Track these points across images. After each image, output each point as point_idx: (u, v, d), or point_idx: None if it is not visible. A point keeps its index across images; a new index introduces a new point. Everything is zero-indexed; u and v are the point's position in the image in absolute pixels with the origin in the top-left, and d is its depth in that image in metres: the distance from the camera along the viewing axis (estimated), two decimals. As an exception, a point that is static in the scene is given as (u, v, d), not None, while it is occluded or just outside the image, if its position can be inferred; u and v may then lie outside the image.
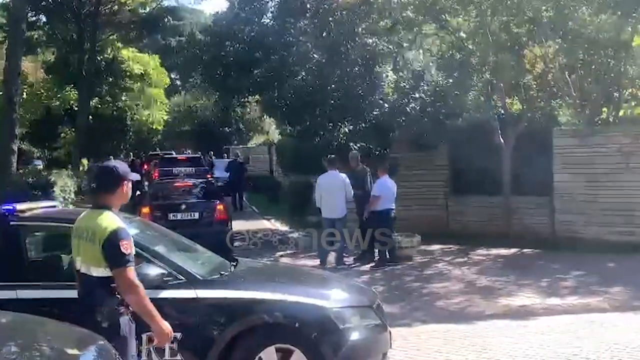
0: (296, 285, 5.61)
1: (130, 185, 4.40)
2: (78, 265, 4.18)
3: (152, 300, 4.12)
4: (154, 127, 35.78)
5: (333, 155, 12.22)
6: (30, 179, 13.28)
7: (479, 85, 14.49)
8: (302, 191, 20.28)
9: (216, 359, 4.84)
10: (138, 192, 26.33)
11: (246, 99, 19.16)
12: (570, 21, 13.17)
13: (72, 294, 4.28)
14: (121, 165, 4.39)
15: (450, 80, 14.77)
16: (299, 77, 14.51)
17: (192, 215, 13.01)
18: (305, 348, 4.93)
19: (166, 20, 29.45)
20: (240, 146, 43.42)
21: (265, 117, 44.25)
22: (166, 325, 4.11)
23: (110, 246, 3.97)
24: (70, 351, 3.26)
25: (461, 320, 8.16)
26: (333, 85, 14.52)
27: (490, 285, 9.92)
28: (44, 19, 27.07)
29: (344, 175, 11.75)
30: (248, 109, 31.55)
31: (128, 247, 4.02)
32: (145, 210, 13.01)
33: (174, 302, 4.84)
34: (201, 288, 4.96)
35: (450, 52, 14.92)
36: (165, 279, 4.90)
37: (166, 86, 35.54)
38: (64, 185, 16.04)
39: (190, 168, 20.04)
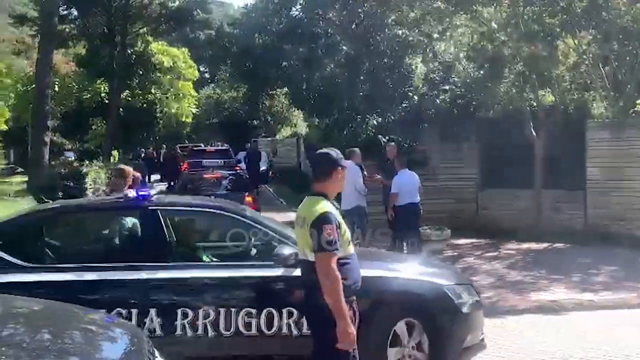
0: (403, 264, 5.88)
1: (344, 172, 4.35)
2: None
3: (291, 278, 4.40)
4: (183, 119, 35.98)
5: (354, 148, 12.14)
6: (62, 170, 13.40)
7: (511, 77, 14.26)
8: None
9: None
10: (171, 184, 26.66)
11: (274, 91, 19.18)
12: (604, 11, 12.91)
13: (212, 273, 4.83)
14: (334, 152, 4.36)
15: (481, 72, 14.60)
16: (328, 69, 14.43)
17: (220, 207, 13.04)
18: (425, 322, 5.29)
19: (195, 13, 29.56)
20: (268, 138, 43.52)
21: (293, 109, 44.55)
22: (352, 329, 3.97)
23: (315, 230, 3.97)
24: (101, 339, 3.27)
25: (492, 314, 8.04)
26: (362, 77, 14.42)
27: (521, 279, 9.80)
28: (75, 13, 27.35)
29: (355, 168, 11.63)
30: (276, 101, 31.55)
31: (332, 233, 3.97)
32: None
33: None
34: None
35: (482, 43, 14.73)
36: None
37: (195, 79, 35.69)
38: (96, 176, 16.21)
39: (219, 160, 20.12)
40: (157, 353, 3.33)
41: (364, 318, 4.50)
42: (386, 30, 14.79)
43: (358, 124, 14.52)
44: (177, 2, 28.86)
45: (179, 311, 4.92)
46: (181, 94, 33.53)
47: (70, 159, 37.21)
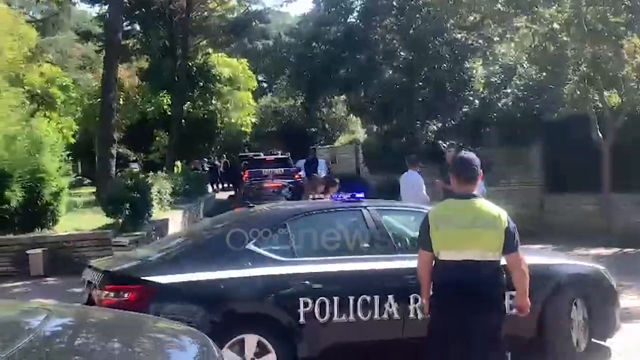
0: (560, 254, 7.51)
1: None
2: (463, 254, 4.40)
3: None
4: (243, 129, 36.44)
5: (413, 155, 12.03)
6: (128, 182, 13.72)
7: (575, 78, 13.91)
8: (388, 190, 20.19)
9: (540, 308, 5.97)
10: (231, 194, 27.12)
11: (332, 98, 19.22)
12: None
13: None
14: (477, 157, 4.75)
15: (544, 74, 14.28)
16: (387, 75, 14.37)
17: (283, 216, 13.12)
18: (586, 299, 6.36)
19: (254, 24, 29.95)
20: (327, 146, 43.64)
21: (351, 116, 44.54)
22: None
23: (512, 231, 4.42)
24: (170, 347, 3.33)
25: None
26: (420, 83, 14.31)
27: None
28: (138, 28, 28.09)
29: (416, 176, 11.49)
30: (333, 109, 31.61)
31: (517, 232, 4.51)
32: (237, 211, 13.22)
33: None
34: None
35: (544, 44, 14.41)
36: None
37: (254, 89, 36.11)
38: (161, 187, 16.56)
39: (279, 168, 20.27)
40: (225, 361, 3.35)
41: (555, 296, 6.02)
42: (445, 34, 14.62)
43: (417, 129, 14.39)
44: (236, 14, 29.28)
45: (411, 297, 5.46)
46: (241, 104, 33.94)
47: (135, 170, 38.13)
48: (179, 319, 4.82)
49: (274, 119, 46.81)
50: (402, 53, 14.51)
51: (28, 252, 11.76)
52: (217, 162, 37.29)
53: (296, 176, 18.35)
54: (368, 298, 5.43)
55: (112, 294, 5.19)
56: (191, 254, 5.67)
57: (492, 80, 14.82)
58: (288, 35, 18.46)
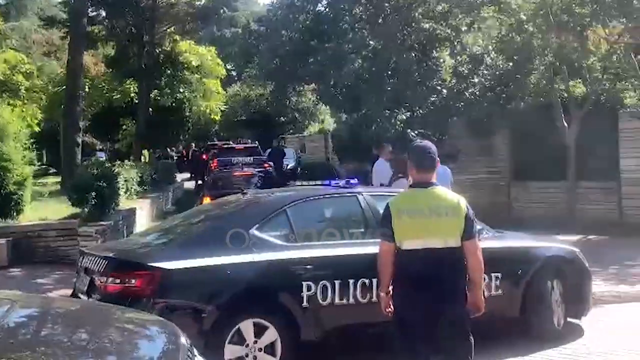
0: (537, 237, 7.67)
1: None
2: (425, 243, 4.38)
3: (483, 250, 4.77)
4: (212, 117, 36.12)
5: (384, 143, 12.04)
6: (94, 171, 13.52)
7: (541, 68, 14.08)
8: (361, 179, 20.27)
9: (523, 289, 6.43)
10: (199, 182, 26.88)
11: (302, 87, 19.16)
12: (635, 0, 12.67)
13: None
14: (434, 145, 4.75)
15: (511, 64, 14.42)
16: (356, 65, 14.36)
17: (253, 205, 13.06)
18: (563, 279, 6.74)
19: (222, 11, 29.63)
20: (297, 135, 43.53)
21: (320, 105, 44.48)
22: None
23: (471, 218, 4.44)
24: (139, 337, 3.30)
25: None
26: (390, 72, 14.33)
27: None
28: (104, 14, 27.57)
29: (385, 165, 11.48)
30: (303, 98, 31.48)
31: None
32: (206, 200, 13.14)
33: (494, 251, 5.99)
34: (499, 240, 6.61)
35: (510, 35, 14.54)
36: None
37: (223, 77, 35.78)
38: (128, 176, 16.35)
39: (249, 157, 20.16)
40: (196, 352, 3.34)
41: (536, 277, 6.45)
42: (413, 24, 14.65)
43: (387, 118, 14.43)
44: (204, 0, 28.93)
45: None
46: (209, 92, 33.62)
47: (101, 159, 37.58)
48: (185, 304, 5.17)
49: (244, 108, 46.50)
50: (371, 42, 14.46)
51: (-9, 242, 11.53)
52: (183, 152, 36.95)
53: (265, 165, 18.23)
54: (367, 281, 5.58)
55: (117, 280, 5.22)
56: (195, 239, 5.74)
57: (459, 69, 14.85)
58: (257, 23, 18.30)
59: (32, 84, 33.78)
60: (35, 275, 11.03)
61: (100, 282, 5.38)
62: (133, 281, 5.19)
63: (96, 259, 5.66)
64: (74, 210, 14.80)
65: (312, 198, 6.28)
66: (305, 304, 5.45)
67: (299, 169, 27.89)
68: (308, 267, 5.55)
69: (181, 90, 31.17)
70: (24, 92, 30.73)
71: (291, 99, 20.47)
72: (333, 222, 6.24)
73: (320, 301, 5.49)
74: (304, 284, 5.44)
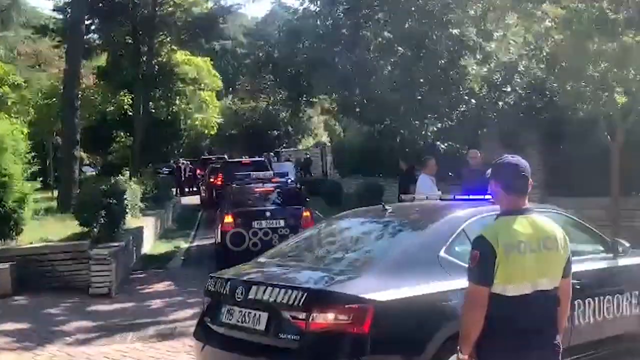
0: None
1: None
2: (535, 285, 3.47)
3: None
4: (207, 131, 35.14)
5: (427, 157, 11.17)
6: (104, 187, 12.43)
7: (595, 75, 13.18)
8: (372, 194, 19.28)
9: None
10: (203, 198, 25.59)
11: (315, 98, 18.22)
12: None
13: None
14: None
15: (545, 73, 13.57)
16: (385, 72, 13.41)
17: (278, 223, 12.06)
18: None
19: (220, 19, 28.70)
20: (292, 149, 42.67)
21: (314, 119, 43.67)
22: None
23: (569, 253, 3.65)
24: None
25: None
26: (422, 80, 13.41)
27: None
28: (99, 23, 26.48)
29: (429, 182, 10.59)
30: (312, 109, 30.35)
31: None
32: (228, 218, 12.10)
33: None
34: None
35: (546, 42, 13.72)
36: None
37: (218, 89, 34.82)
38: (132, 192, 15.22)
39: (261, 172, 19.05)
40: None
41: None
42: (442, 29, 13.76)
43: (416, 130, 13.49)
44: (201, 9, 27.95)
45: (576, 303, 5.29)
46: (204, 105, 32.62)
47: (90, 173, 36.27)
48: (402, 342, 4.48)
49: (235, 122, 45.54)
50: (399, 48, 13.53)
51: (-7, 267, 10.37)
52: (178, 165, 35.76)
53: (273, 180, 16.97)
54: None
55: (327, 316, 4.38)
56: (389, 265, 4.87)
57: (492, 78, 13.96)
58: (247, 36, 17.44)
59: (20, 96, 32.58)
60: (44, 305, 9.88)
61: (298, 318, 4.47)
62: (344, 317, 4.34)
63: (277, 291, 4.65)
64: (77, 230, 13.69)
65: (485, 215, 5.35)
66: None
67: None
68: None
69: (176, 102, 30.18)
70: (11, 104, 29.54)
71: (305, 110, 19.30)
72: None
73: None
74: None
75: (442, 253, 4.92)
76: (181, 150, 34.65)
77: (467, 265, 4.52)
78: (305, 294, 4.47)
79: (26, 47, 39.87)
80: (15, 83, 32.95)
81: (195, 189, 33.28)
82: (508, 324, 3.41)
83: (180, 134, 30.96)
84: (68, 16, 23.55)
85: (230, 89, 49.94)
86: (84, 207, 12.08)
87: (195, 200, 29.46)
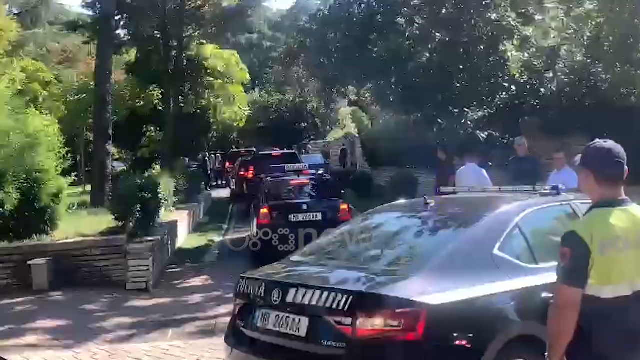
0: None
1: None
2: (634, 285, 3.12)
3: None
4: (237, 124, 34.97)
5: (471, 145, 10.81)
6: (138, 181, 12.28)
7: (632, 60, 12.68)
8: (406, 185, 18.91)
9: None
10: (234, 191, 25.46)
11: (346, 88, 17.87)
12: None
13: None
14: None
15: (580, 58, 13.10)
16: (423, 58, 13.02)
17: (315, 216, 11.77)
18: None
19: (249, 11, 28.43)
20: (320, 141, 42.36)
21: (341, 110, 43.34)
22: None
23: None
24: None
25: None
26: (461, 66, 12.99)
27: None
28: (127, 18, 26.38)
29: (477, 169, 10.22)
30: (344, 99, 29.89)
31: None
32: (264, 211, 11.84)
33: None
34: None
35: (582, 25, 13.23)
36: None
37: (246, 82, 34.62)
38: (165, 186, 15.07)
39: (283, 165, 18.78)
40: None
41: None
42: (481, 13, 13.32)
43: (456, 118, 13.08)
44: (228, 2, 27.69)
45: None
46: (232, 98, 32.44)
47: (119, 169, 36.35)
48: (458, 349, 4.08)
49: (262, 115, 45.41)
50: (437, 34, 13.12)
51: (30, 262, 10.24)
52: (206, 159, 35.70)
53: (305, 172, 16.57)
54: None
55: (376, 322, 4.02)
56: (438, 264, 4.45)
57: (532, 64, 13.48)
58: (272, 29, 17.09)
59: (51, 92, 32.80)
60: (82, 301, 9.73)
61: (343, 324, 4.10)
62: (395, 323, 3.98)
63: (318, 293, 4.28)
64: (111, 224, 13.57)
65: (538, 209, 5.07)
66: None
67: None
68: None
69: (205, 96, 30.05)
70: (42, 101, 29.72)
71: (336, 100, 18.87)
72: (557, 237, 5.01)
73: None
74: None
75: (496, 251, 4.52)
76: (210, 144, 34.53)
77: (522, 264, 4.28)
78: (351, 297, 4.10)
79: (55, 45, 40.27)
80: (46, 79, 33.33)
81: (224, 182, 33.17)
82: (604, 329, 3.07)
83: (209, 127, 30.82)
84: (98, 12, 23.46)
85: (257, 81, 49.85)
86: (120, 201, 11.94)
87: (224, 193, 29.34)
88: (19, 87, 25.19)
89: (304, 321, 4.30)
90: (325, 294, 4.22)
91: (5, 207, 11.50)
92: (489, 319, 4.23)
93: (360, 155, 32.80)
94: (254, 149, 33.78)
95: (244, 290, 4.91)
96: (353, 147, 35.45)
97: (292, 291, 4.41)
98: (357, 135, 35.43)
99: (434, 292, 4.09)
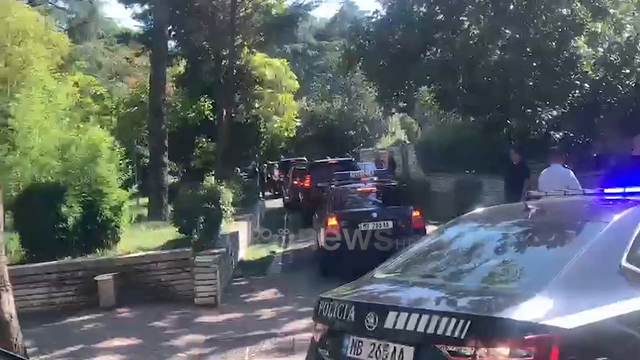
0: None
1: None
2: None
3: None
4: (287, 134, 34.72)
5: (556, 146, 10.16)
6: (202, 192, 11.98)
7: None
8: (469, 191, 18.25)
9: None
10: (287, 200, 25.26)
11: (404, 92, 17.31)
12: None
13: None
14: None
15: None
16: (495, 56, 12.42)
17: (386, 224, 11.22)
18: None
19: (299, 19, 28.14)
20: (371, 148, 41.81)
21: (391, 117, 42.79)
22: None
23: None
24: None
25: None
26: (534, 64, 12.35)
27: None
28: (177, 29, 26.35)
29: (564, 171, 9.56)
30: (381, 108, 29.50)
31: None
32: (332, 221, 11.34)
33: None
34: None
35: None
36: None
37: (296, 90, 34.32)
38: (225, 197, 14.75)
39: (347, 172, 18.36)
40: None
41: None
42: (552, 7, 12.66)
43: (529, 118, 12.42)
44: (279, 11, 27.46)
45: None
46: (282, 107, 32.18)
47: (171, 180, 36.33)
48: None
49: (310, 124, 45.19)
50: (507, 31, 12.51)
51: (96, 278, 9.97)
52: (257, 169, 35.51)
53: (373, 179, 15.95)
54: None
55: (502, 351, 3.40)
56: (562, 279, 3.83)
57: (608, 60, 12.75)
58: (317, 38, 16.65)
59: (102, 106, 33.06)
60: (150, 317, 9.39)
61: (459, 354, 3.51)
62: (523, 352, 3.39)
63: (425, 318, 3.67)
64: (171, 237, 13.33)
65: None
66: None
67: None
68: None
69: (256, 105, 29.83)
70: (94, 115, 29.93)
71: (398, 105, 18.37)
72: None
73: None
74: None
75: (624, 262, 3.94)
76: (262, 154, 34.33)
77: None
78: (468, 322, 3.49)
79: (105, 59, 40.72)
80: (98, 93, 33.62)
81: (277, 192, 32.90)
82: None
83: (260, 137, 30.60)
84: (150, 22, 23.46)
85: (303, 90, 49.69)
86: (183, 213, 11.63)
87: (277, 203, 29.02)
88: (74, 101, 25.41)
89: (408, 351, 3.70)
90: (435, 317, 3.60)
91: (69, 222, 11.34)
92: (630, 342, 3.63)
93: (414, 161, 32.19)
94: (304, 158, 33.50)
95: (327, 314, 4.22)
96: (406, 153, 34.87)
97: (392, 315, 3.78)
98: (408, 142, 34.82)
99: (564, 314, 3.50)
